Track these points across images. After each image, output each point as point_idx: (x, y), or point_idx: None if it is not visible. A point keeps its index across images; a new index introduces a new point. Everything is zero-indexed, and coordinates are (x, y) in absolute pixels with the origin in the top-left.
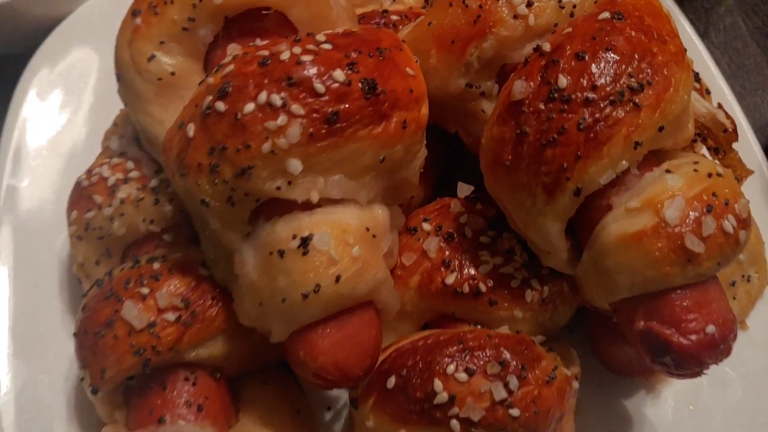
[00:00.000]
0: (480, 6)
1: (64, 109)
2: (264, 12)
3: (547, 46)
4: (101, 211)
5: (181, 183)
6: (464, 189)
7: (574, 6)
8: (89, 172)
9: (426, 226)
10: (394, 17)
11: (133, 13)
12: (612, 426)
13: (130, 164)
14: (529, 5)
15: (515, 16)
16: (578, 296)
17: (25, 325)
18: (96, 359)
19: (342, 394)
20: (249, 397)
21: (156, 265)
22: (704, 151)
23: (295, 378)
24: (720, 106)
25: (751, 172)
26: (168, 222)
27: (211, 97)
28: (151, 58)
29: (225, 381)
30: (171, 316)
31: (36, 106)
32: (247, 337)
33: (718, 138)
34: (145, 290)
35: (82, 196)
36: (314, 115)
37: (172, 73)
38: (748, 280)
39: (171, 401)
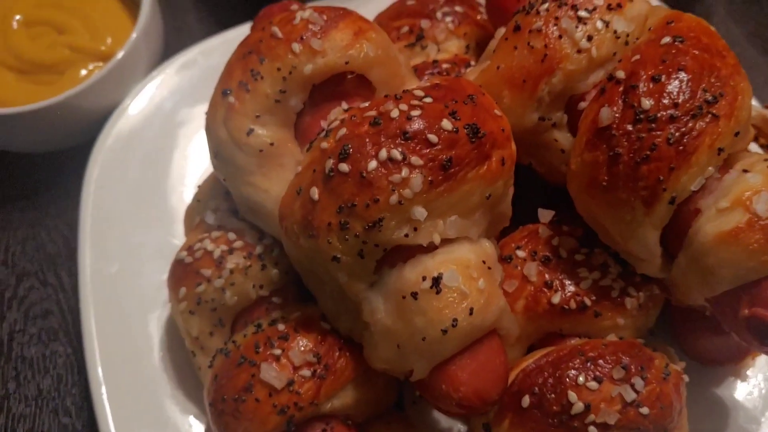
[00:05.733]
0: (545, 45)
1: (132, 194)
2: (348, 76)
3: (620, 74)
4: (212, 283)
5: (309, 244)
6: (545, 214)
7: (627, 35)
8: (190, 248)
9: (521, 253)
10: (445, 65)
11: (223, 92)
12: (711, 414)
13: (231, 235)
14: (589, 39)
15: (579, 51)
16: (663, 297)
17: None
18: (240, 424)
19: (453, 425)
20: None
21: (280, 326)
22: (756, 148)
23: (407, 416)
24: (767, 106)
25: None
26: (275, 285)
27: (332, 160)
28: (250, 132)
29: (356, 428)
30: (307, 372)
31: (103, 195)
32: (373, 383)
33: None
34: (277, 351)
35: (187, 271)
36: (431, 164)
37: (271, 144)
38: None
39: None
